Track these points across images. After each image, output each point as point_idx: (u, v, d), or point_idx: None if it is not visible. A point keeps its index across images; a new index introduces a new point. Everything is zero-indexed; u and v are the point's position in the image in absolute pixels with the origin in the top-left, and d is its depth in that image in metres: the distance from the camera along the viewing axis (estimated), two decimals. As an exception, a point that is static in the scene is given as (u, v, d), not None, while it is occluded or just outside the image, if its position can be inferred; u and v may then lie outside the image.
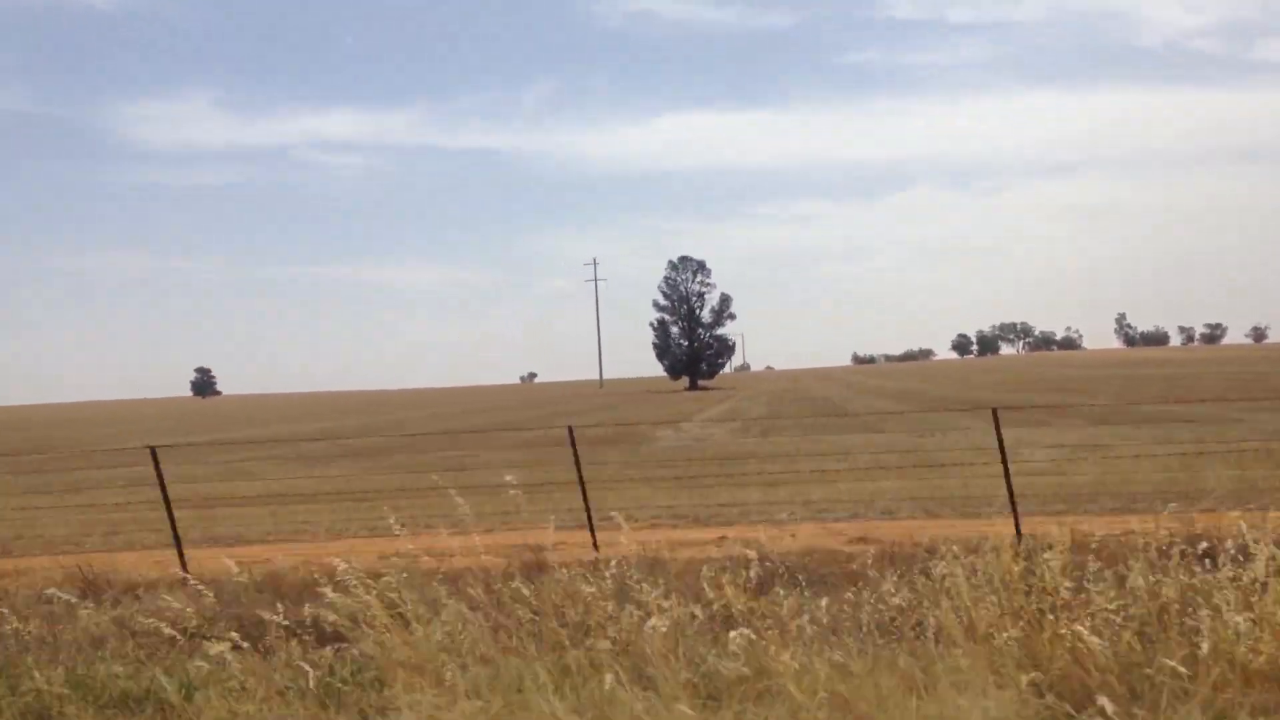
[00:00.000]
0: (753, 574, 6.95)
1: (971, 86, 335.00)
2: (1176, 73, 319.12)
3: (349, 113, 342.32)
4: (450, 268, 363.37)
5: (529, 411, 69.02)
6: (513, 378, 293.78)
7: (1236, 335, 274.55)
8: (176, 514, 12.44)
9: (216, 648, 6.21)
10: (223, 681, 6.13)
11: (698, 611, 6.54)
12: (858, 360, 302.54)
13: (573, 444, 12.79)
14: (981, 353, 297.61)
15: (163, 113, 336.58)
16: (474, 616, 6.70)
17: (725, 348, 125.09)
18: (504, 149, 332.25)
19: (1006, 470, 11.62)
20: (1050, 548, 6.36)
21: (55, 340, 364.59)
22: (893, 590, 6.91)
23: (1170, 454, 17.95)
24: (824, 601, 6.53)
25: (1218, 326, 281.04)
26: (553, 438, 22.45)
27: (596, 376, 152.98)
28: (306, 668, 6.14)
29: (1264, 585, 5.73)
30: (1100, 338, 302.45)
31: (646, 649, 5.81)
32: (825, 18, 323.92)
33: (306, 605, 7.39)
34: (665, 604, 6.28)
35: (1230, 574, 5.92)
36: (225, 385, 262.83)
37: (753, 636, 5.64)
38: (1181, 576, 6.08)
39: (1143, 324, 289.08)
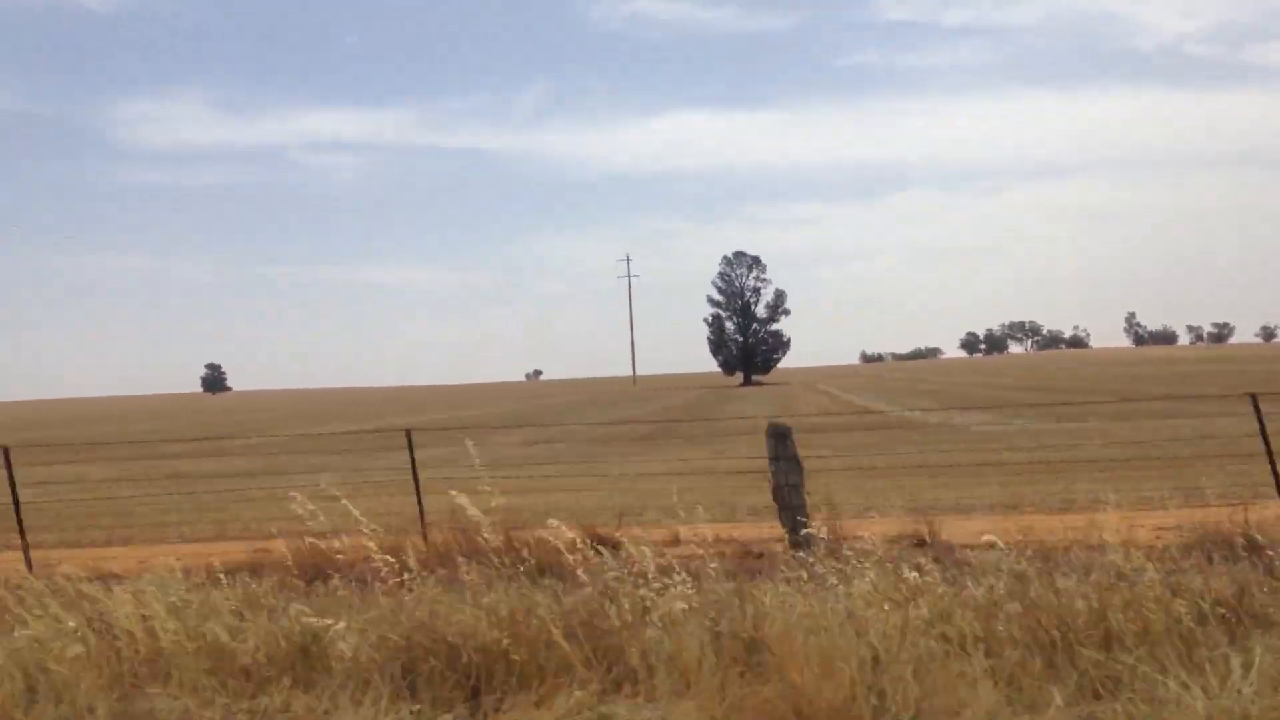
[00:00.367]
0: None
1: (969, 89, 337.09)
2: (1172, 76, 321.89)
3: (346, 113, 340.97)
4: (450, 268, 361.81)
5: (644, 406, 67.73)
6: (515, 375, 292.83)
7: (1245, 335, 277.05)
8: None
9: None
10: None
11: None
12: (866, 359, 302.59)
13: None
14: (989, 351, 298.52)
15: (159, 112, 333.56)
16: None
17: (780, 343, 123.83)
18: (501, 149, 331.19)
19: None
20: None
21: (54, 340, 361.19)
22: None
23: None
24: None
25: (1225, 326, 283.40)
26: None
27: (605, 374, 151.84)
28: None
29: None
30: (1104, 337, 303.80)
31: None
32: (823, 19, 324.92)
33: None
34: None
35: None
36: (235, 381, 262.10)
37: None
38: None
39: (1148, 324, 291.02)
